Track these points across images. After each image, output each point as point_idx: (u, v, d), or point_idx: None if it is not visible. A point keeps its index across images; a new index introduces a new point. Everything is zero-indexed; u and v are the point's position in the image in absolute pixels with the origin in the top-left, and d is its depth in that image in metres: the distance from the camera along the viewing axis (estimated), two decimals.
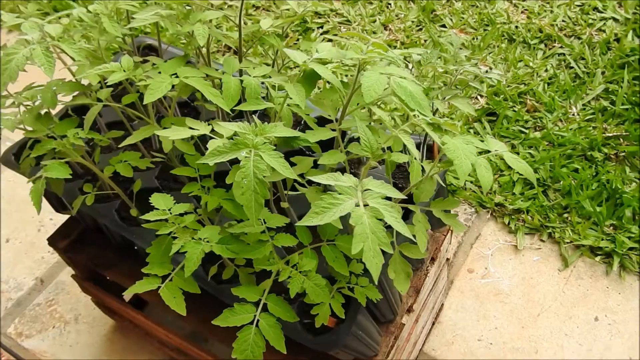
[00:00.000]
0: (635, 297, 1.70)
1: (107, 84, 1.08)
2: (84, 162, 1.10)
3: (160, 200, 0.94)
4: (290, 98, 1.03)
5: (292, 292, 0.86)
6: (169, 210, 0.93)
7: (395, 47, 2.49)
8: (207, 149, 0.85)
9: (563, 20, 2.50)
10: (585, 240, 1.79)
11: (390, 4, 2.70)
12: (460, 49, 1.08)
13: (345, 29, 2.63)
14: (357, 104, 0.97)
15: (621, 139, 2.04)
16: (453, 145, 0.78)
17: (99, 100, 1.09)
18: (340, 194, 0.71)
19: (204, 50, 1.15)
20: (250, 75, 1.04)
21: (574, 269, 1.77)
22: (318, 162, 0.89)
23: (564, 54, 2.36)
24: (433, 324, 1.70)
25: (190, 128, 0.96)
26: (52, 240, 1.49)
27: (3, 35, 2.74)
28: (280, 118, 0.98)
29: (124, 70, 0.99)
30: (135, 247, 1.49)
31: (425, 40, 2.51)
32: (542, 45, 2.42)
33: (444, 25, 2.57)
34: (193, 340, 1.63)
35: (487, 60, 2.39)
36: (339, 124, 0.93)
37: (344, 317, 0.96)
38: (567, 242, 1.81)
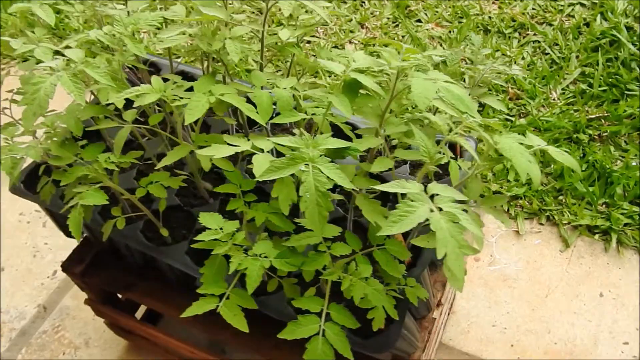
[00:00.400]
0: (635, 270, 1.78)
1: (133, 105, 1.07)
2: (115, 186, 1.08)
3: (210, 220, 0.93)
4: (319, 107, 1.05)
5: (356, 299, 0.88)
6: (221, 229, 0.92)
7: (374, 45, 2.52)
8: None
9: (533, 8, 2.58)
10: (582, 220, 1.86)
11: (364, 3, 2.73)
12: (477, 45, 1.11)
13: (322, 29, 2.64)
14: (391, 110, 0.99)
15: (603, 120, 2.13)
16: (507, 145, 0.81)
17: (125, 121, 1.08)
18: (412, 201, 0.73)
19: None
20: (279, 88, 1.05)
21: (575, 248, 1.85)
22: (371, 170, 0.91)
23: (538, 41, 2.44)
24: (448, 314, 1.74)
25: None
26: (67, 267, 1.45)
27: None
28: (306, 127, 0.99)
29: (156, 92, 0.98)
30: (155, 266, 1.48)
31: (402, 36, 2.55)
32: (516, 34, 2.49)
33: (419, 20, 2.61)
34: (212, 351, 1.63)
35: (466, 52, 2.44)
36: (383, 130, 0.95)
37: (397, 319, 0.98)
38: (565, 224, 1.88)
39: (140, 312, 1.74)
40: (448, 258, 0.70)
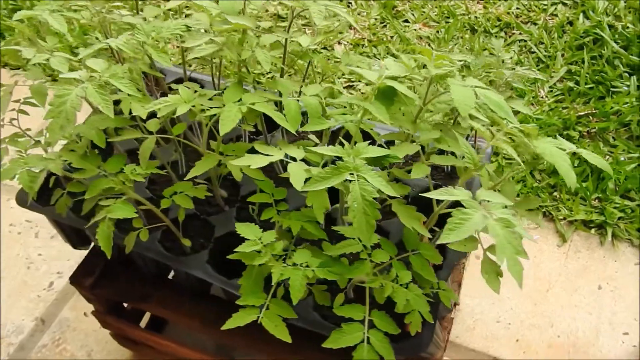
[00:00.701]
0: (630, 262, 1.84)
1: (158, 115, 1.05)
2: (140, 198, 1.06)
3: (248, 230, 0.92)
4: (347, 114, 1.05)
5: (400, 306, 0.89)
6: (259, 239, 0.92)
7: (363, 46, 2.54)
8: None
9: (517, 8, 2.63)
10: (577, 215, 1.91)
11: (351, 3, 2.74)
12: (498, 50, 1.13)
13: (309, 30, 2.64)
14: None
15: (591, 117, 2.19)
16: (548, 150, 0.83)
17: (149, 132, 1.06)
18: (466, 208, 0.74)
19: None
20: (306, 95, 1.05)
21: (572, 243, 1.89)
22: (411, 177, 0.91)
23: (524, 40, 2.49)
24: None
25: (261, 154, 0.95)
26: (76, 279, 1.42)
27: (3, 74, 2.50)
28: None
29: (185, 102, 0.97)
30: (171, 276, 1.46)
31: (391, 37, 2.57)
32: (502, 33, 2.54)
33: (407, 20, 2.64)
34: (220, 355, 1.62)
35: (455, 51, 2.48)
36: (416, 136, 0.96)
37: (433, 322, 0.99)
38: (561, 219, 1.93)
39: (143, 321, 1.72)
40: (508, 264, 0.72)
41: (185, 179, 1.02)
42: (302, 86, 1.07)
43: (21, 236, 2.05)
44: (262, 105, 0.97)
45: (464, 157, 0.99)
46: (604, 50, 2.34)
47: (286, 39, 1.07)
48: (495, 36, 2.51)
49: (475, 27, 2.55)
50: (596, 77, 2.28)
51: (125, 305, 1.60)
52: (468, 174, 0.85)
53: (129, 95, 1.01)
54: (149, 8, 1.15)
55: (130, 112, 1.02)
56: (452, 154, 1.05)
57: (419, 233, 0.96)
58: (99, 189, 1.03)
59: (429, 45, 2.51)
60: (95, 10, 1.28)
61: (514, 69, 1.11)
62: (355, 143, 0.95)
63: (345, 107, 1.07)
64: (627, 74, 2.27)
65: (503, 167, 2.06)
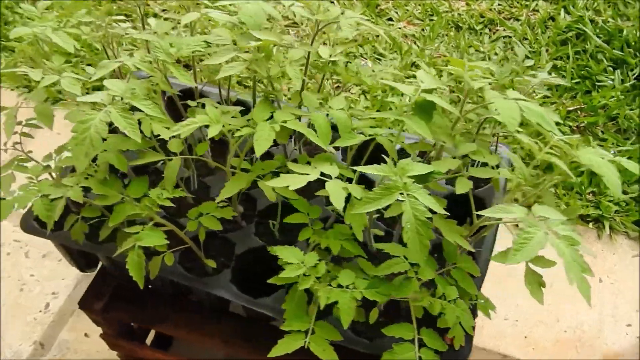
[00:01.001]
0: (628, 255, 1.88)
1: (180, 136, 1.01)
2: (167, 224, 1.02)
3: (289, 254, 0.90)
4: (376, 128, 1.03)
5: (450, 322, 0.88)
6: (302, 262, 0.89)
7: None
8: None
9: (499, 4, 2.65)
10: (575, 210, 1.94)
11: (333, 2, 2.71)
12: (521, 56, 1.12)
13: (293, 31, 2.61)
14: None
15: (579, 111, 2.23)
16: (595, 161, 0.83)
17: (173, 154, 1.02)
18: (529, 227, 0.73)
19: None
20: (332, 109, 1.03)
21: None
22: (457, 192, 0.90)
23: (509, 36, 2.51)
24: None
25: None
26: (85, 304, 1.37)
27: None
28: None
29: (215, 122, 0.94)
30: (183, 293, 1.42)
31: (376, 36, 2.56)
32: (487, 30, 2.55)
33: (390, 19, 2.63)
34: None
35: (441, 49, 2.48)
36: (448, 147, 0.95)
37: (472, 335, 0.99)
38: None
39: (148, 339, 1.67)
40: (577, 283, 0.72)
41: (217, 200, 0.99)
42: (322, 98, 1.05)
43: (11, 257, 1.96)
44: (294, 123, 0.95)
45: (498, 167, 0.98)
46: (588, 45, 2.39)
47: (309, 53, 1.05)
48: (480, 33, 2.53)
49: (460, 24, 2.56)
50: (582, 72, 2.32)
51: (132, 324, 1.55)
52: (518, 188, 0.85)
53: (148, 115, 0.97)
54: (159, 23, 1.11)
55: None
56: (483, 164, 1.05)
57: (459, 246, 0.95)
58: (123, 216, 0.98)
59: (415, 43, 2.51)
60: (95, 25, 1.23)
61: (534, 74, 1.11)
62: (392, 159, 0.94)
63: (373, 118, 1.05)
64: (611, 68, 2.31)
65: None
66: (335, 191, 0.88)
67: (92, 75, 1.05)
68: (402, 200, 0.80)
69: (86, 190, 1.05)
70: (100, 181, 1.01)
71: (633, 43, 2.37)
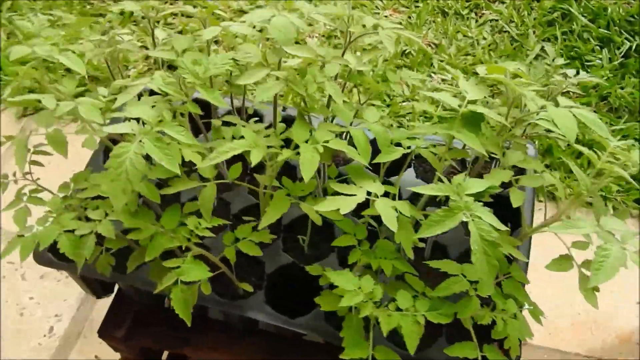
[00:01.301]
0: None
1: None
2: (205, 252, 0.98)
3: (344, 280, 0.87)
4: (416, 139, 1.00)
5: (513, 339, 0.87)
6: (359, 288, 0.86)
7: (336, 37, 2.47)
8: None
9: None
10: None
11: None
12: (552, 56, 1.10)
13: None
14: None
15: (571, 93, 2.24)
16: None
17: (206, 179, 0.97)
18: (606, 243, 0.72)
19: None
20: (368, 122, 0.99)
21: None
22: (513, 205, 0.88)
23: (495, 20, 2.50)
24: None
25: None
26: (106, 332, 1.31)
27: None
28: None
29: (256, 147, 0.89)
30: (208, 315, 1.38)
31: (363, 25, 2.51)
32: (473, 14, 2.54)
33: (376, 7, 2.59)
34: None
35: (429, 36, 2.46)
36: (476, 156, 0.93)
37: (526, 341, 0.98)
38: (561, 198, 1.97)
39: None
40: None
41: (259, 227, 0.94)
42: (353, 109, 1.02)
43: (6, 280, 1.88)
44: (336, 142, 0.91)
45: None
46: (574, 25, 2.39)
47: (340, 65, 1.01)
48: (467, 18, 2.51)
49: (446, 10, 2.54)
50: (570, 53, 2.33)
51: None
52: (581, 200, 0.83)
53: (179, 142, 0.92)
54: (178, 39, 1.05)
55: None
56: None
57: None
58: (160, 250, 0.93)
59: None
60: (99, 40, 1.16)
61: (565, 73, 1.09)
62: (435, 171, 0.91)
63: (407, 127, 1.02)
64: (598, 48, 2.33)
65: None
66: (386, 212, 0.85)
67: (108, 97, 1.00)
68: (469, 221, 0.78)
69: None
70: (132, 214, 0.95)
71: (618, 21, 2.39)
